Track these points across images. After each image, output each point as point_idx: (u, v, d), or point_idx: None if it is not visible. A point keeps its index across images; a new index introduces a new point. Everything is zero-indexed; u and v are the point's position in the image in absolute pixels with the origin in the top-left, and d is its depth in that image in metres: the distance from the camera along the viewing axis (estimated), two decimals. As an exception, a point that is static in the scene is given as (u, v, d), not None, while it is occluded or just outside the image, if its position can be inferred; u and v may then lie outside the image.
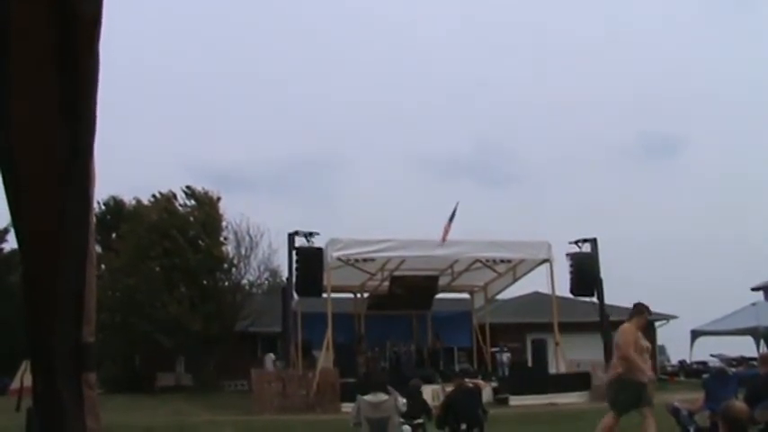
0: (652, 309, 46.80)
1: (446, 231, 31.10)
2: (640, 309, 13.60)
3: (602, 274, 33.62)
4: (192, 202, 47.17)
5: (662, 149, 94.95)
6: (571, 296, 34.54)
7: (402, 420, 12.54)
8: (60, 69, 1.67)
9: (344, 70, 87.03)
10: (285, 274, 33.20)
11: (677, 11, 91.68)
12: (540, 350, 41.69)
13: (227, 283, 46.47)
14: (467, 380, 18.07)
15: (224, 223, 47.27)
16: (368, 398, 12.62)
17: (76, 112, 1.73)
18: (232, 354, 42.91)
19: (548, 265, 33.10)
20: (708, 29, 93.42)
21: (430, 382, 26.99)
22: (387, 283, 34.79)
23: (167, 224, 44.09)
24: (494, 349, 36.86)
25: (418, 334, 36.56)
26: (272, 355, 38.57)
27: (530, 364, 39.30)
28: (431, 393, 23.55)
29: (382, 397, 12.57)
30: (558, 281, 33.20)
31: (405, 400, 12.81)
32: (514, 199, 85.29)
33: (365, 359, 33.57)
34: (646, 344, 13.62)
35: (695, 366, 42.39)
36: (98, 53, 1.71)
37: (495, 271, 35.63)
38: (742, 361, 36.18)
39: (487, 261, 34.39)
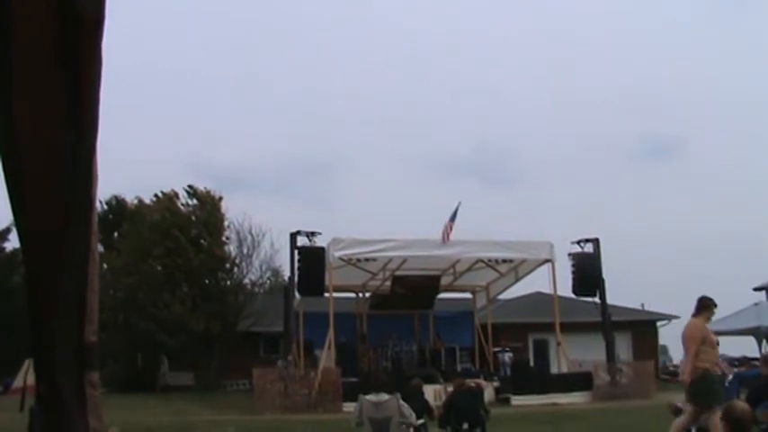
0: (654, 309, 46.54)
1: (448, 231, 31.08)
2: (707, 303, 13.33)
3: (604, 274, 33.63)
4: (194, 201, 47.23)
5: (663, 149, 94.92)
6: (573, 296, 34.52)
7: (402, 420, 12.52)
8: (63, 69, 1.67)
9: (346, 70, 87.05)
10: (287, 273, 33.20)
11: (676, 11, 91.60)
12: (541, 350, 41.78)
13: (229, 283, 46.50)
14: (468, 380, 18.11)
15: (226, 223, 47.38)
16: (370, 397, 12.62)
17: (79, 112, 1.73)
18: (234, 353, 42.95)
19: (550, 265, 33.10)
20: (707, 29, 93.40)
21: (432, 381, 26.99)
22: (389, 283, 34.77)
23: (169, 224, 44.15)
24: (496, 349, 36.82)
25: (420, 334, 36.53)
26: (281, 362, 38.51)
27: (532, 363, 39.32)
28: (433, 393, 23.54)
29: (384, 397, 12.57)
30: (559, 281, 33.23)
31: (413, 413, 12.78)
32: (516, 199, 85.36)
33: (367, 359, 33.61)
34: (715, 338, 13.48)
35: (697, 367, 42.26)
36: (101, 53, 1.71)
37: (497, 271, 35.62)
38: (744, 361, 36.13)
39: (489, 261, 34.38)
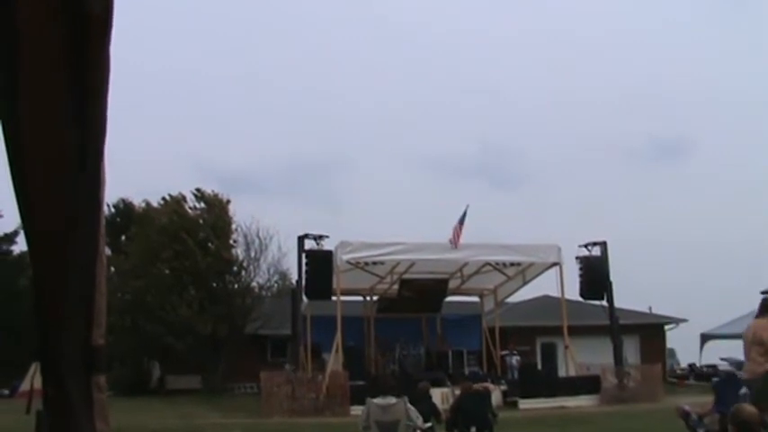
0: (662, 312, 46.46)
1: (457, 234, 31.07)
2: None
3: (612, 277, 33.58)
4: (202, 204, 47.23)
5: (669, 150, 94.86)
6: (581, 299, 34.46)
7: (409, 423, 12.51)
8: (70, 70, 1.66)
9: (352, 71, 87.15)
10: (295, 276, 33.24)
11: (677, 11, 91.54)
12: (549, 353, 41.70)
13: (236, 286, 46.48)
14: (475, 384, 18.09)
15: (234, 226, 47.32)
16: (377, 401, 12.61)
17: (86, 113, 1.72)
18: (241, 356, 42.96)
19: (557, 268, 33.05)
20: (708, 29, 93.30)
21: (439, 385, 26.98)
22: (396, 287, 34.76)
23: (177, 227, 44.15)
24: (503, 352, 36.81)
25: (428, 337, 36.51)
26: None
27: (539, 367, 39.27)
28: (440, 396, 23.53)
29: (392, 400, 12.56)
30: (567, 284, 33.17)
31: (420, 416, 12.76)
32: (521, 200, 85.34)
33: (375, 362, 33.62)
34: None
35: (705, 370, 42.31)
36: (108, 53, 1.71)
37: (504, 274, 35.57)
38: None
39: (497, 264, 34.34)
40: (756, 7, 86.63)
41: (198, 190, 47.60)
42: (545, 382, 33.41)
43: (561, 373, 36.01)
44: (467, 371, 34.62)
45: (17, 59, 1.63)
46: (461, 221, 31.24)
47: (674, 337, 49.36)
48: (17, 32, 1.61)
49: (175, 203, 46.80)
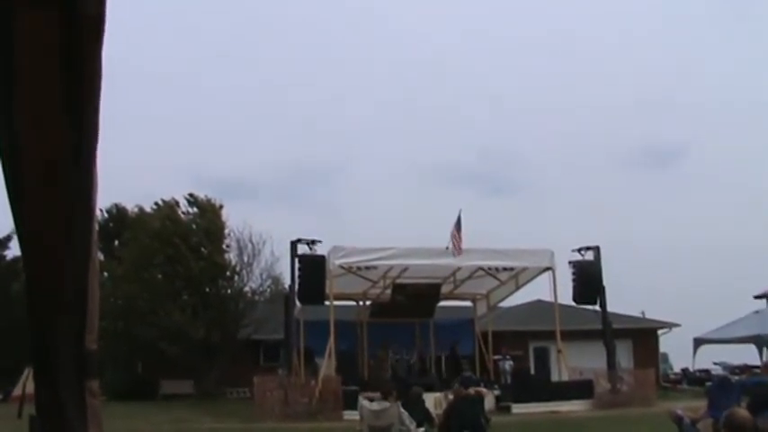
0: (655, 317, 46.61)
1: (457, 242, 31.01)
2: None
3: (604, 282, 33.60)
4: (195, 209, 47.23)
5: (664, 156, 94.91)
6: (574, 304, 34.49)
7: (402, 428, 12.50)
8: (63, 70, 1.66)
9: (348, 77, 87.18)
10: (287, 281, 33.14)
11: (675, 15, 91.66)
12: (542, 358, 41.76)
13: (229, 291, 46.46)
14: (472, 389, 18.09)
15: (226, 231, 47.34)
16: (371, 405, 12.61)
17: (79, 114, 1.72)
18: (234, 361, 42.92)
19: (550, 272, 33.08)
20: (707, 31, 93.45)
21: (432, 389, 26.98)
22: (389, 291, 34.74)
23: (170, 232, 44.11)
24: (496, 357, 36.82)
25: (421, 342, 36.48)
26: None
27: (532, 371, 39.31)
28: (433, 401, 23.53)
29: (385, 404, 12.56)
30: (560, 289, 33.21)
31: (413, 420, 12.77)
32: (515, 206, 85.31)
33: (369, 366, 33.61)
34: None
35: (698, 374, 42.36)
36: (101, 55, 1.70)
37: (497, 279, 35.60)
38: (745, 369, 36.14)
39: (490, 269, 34.37)
40: (756, 11, 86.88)
41: (191, 195, 47.65)
42: (538, 386, 33.46)
43: (554, 377, 36.04)
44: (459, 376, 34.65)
45: (11, 60, 1.62)
46: (458, 228, 31.20)
47: (666, 342, 49.46)
48: (11, 33, 1.60)
49: (168, 208, 46.79)
